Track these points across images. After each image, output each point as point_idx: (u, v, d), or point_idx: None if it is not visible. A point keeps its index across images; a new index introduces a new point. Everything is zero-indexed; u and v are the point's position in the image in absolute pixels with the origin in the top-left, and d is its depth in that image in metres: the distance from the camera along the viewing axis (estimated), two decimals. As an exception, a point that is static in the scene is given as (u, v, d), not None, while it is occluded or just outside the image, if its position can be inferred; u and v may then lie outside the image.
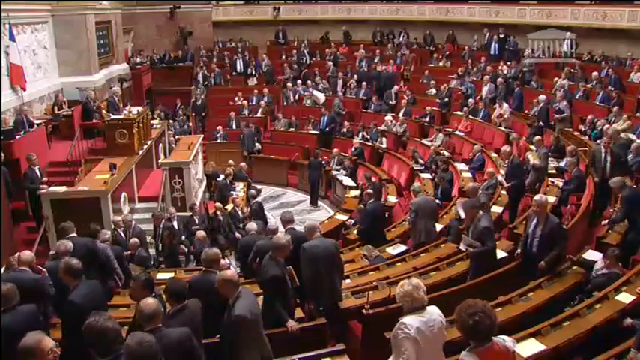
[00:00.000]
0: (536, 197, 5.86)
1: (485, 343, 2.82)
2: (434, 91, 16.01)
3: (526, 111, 13.62)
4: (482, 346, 2.82)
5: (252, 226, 7.42)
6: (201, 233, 8.78)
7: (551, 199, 8.07)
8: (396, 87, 16.32)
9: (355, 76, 17.47)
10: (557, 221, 5.74)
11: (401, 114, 14.66)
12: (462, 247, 6.13)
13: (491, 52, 17.53)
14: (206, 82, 17.96)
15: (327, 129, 14.83)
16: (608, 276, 5.43)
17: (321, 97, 16.47)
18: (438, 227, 8.11)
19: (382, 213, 8.57)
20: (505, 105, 13.30)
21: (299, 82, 17.45)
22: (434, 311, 3.41)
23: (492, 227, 5.99)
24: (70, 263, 4.51)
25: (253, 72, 18.88)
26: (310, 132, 15.30)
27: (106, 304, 4.91)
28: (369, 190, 8.48)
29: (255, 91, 17.36)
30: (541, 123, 12.11)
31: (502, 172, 9.45)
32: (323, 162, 12.86)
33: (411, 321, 3.23)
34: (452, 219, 8.11)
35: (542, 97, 12.83)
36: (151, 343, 2.89)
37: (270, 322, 4.58)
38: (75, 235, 6.42)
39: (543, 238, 5.61)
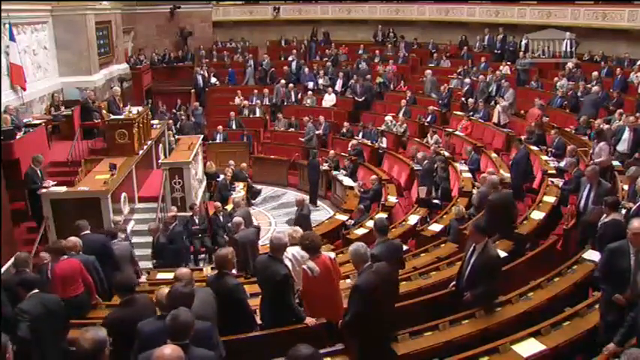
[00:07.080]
0: (352, 247, 4.42)
1: (317, 254, 4.54)
2: (433, 95, 15.93)
3: (522, 111, 13.69)
4: (315, 256, 4.53)
5: (238, 219, 7.78)
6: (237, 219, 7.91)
7: (552, 199, 8.07)
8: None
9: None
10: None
11: (401, 114, 14.66)
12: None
13: (495, 52, 17.59)
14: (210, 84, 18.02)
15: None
16: (609, 224, 5.51)
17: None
18: (439, 227, 8.27)
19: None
20: (504, 103, 13.29)
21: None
22: None
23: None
24: None
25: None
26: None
27: None
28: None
29: (255, 91, 17.35)
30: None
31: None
32: (321, 163, 12.86)
33: (289, 249, 5.02)
34: (452, 219, 8.13)
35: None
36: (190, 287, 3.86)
37: (284, 321, 4.59)
38: (89, 232, 6.46)
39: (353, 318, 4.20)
